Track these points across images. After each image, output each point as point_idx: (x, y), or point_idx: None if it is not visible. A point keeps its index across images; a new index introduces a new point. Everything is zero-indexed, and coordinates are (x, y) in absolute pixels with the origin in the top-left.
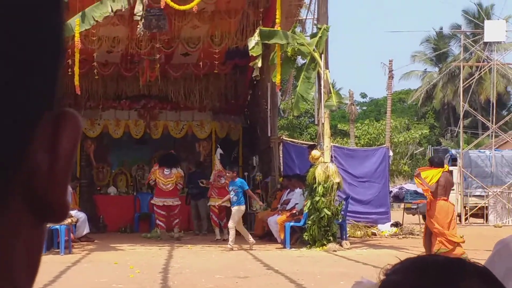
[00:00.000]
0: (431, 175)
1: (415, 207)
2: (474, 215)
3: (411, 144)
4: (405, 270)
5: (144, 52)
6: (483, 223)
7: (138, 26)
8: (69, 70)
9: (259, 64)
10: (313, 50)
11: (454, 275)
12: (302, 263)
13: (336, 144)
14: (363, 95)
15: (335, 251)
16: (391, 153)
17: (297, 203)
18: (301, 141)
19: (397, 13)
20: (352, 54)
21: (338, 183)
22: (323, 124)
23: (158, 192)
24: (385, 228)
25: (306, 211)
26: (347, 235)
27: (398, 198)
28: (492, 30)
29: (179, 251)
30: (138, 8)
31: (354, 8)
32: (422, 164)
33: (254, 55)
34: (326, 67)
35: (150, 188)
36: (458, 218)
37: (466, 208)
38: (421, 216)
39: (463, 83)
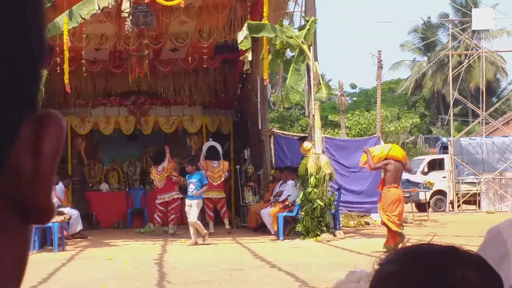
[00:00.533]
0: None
1: (408, 195)
2: (466, 202)
3: (402, 133)
4: (400, 259)
5: (132, 49)
6: (476, 209)
7: (126, 23)
8: (58, 68)
9: (250, 58)
10: (302, 42)
11: (449, 263)
12: (296, 254)
13: (327, 135)
14: (353, 86)
15: (328, 241)
16: (382, 143)
17: (289, 195)
18: (292, 133)
19: (384, 4)
20: (341, 45)
21: (330, 174)
22: (313, 115)
23: (157, 190)
24: (378, 217)
25: (299, 202)
26: (341, 225)
27: None
28: (480, 18)
29: (173, 245)
30: (125, 5)
31: None
32: (414, 153)
33: (243, 49)
34: (315, 59)
35: (142, 183)
36: (451, 205)
37: (459, 195)
38: (413, 205)
39: (452, 71)
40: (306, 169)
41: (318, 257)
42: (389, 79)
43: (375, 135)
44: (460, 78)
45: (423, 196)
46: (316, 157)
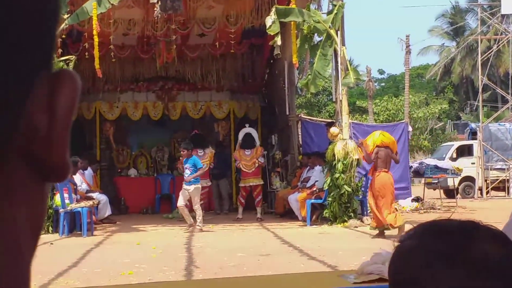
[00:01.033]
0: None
1: (436, 181)
2: (495, 188)
3: (431, 119)
4: (420, 234)
5: (160, 34)
6: (505, 196)
7: (155, 8)
8: (86, 53)
9: (279, 43)
10: (329, 27)
11: (468, 237)
12: (323, 240)
13: (355, 121)
14: (381, 72)
15: (356, 227)
16: (410, 129)
17: (317, 180)
18: (320, 119)
19: None
20: (369, 30)
21: (358, 159)
22: (341, 101)
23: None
24: (406, 203)
25: (326, 188)
26: (368, 211)
27: (418, 173)
28: (509, 2)
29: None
30: None
31: None
32: (442, 139)
33: (272, 33)
34: (343, 44)
35: (170, 169)
36: (479, 191)
37: (487, 181)
38: (442, 191)
39: (481, 56)
40: (334, 155)
41: (346, 243)
42: (417, 65)
43: (403, 121)
44: (489, 63)
45: (452, 182)
46: (343, 142)
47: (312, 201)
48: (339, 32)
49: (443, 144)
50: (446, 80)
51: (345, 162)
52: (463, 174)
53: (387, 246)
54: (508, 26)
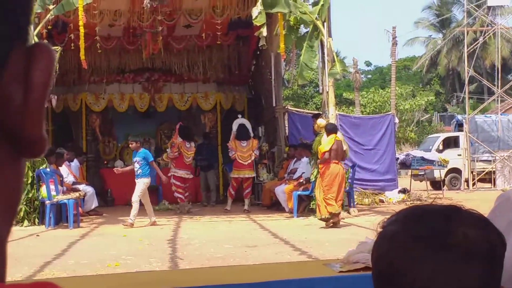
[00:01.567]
0: (327, 142)
1: (422, 173)
2: (481, 180)
3: (417, 111)
4: (402, 219)
5: (146, 25)
6: (491, 187)
7: None
8: (72, 45)
9: (264, 33)
10: (316, 18)
11: (450, 221)
12: (310, 231)
13: (342, 113)
14: (368, 63)
15: (343, 218)
16: (397, 120)
17: (303, 172)
18: (306, 111)
19: None
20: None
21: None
22: (327, 92)
23: (181, 164)
24: (393, 195)
25: (313, 179)
26: (355, 203)
27: (405, 165)
28: None
29: (187, 222)
30: None
31: None
32: (429, 131)
33: (258, 24)
34: (329, 35)
35: (157, 161)
36: (465, 183)
37: (474, 173)
38: (428, 182)
39: (467, 48)
40: None
41: (332, 234)
42: (404, 57)
43: (390, 113)
44: (476, 55)
45: (438, 174)
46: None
47: (299, 192)
48: (325, 24)
49: (429, 136)
50: (432, 72)
51: None
52: (449, 166)
53: (373, 236)
54: (494, 18)
